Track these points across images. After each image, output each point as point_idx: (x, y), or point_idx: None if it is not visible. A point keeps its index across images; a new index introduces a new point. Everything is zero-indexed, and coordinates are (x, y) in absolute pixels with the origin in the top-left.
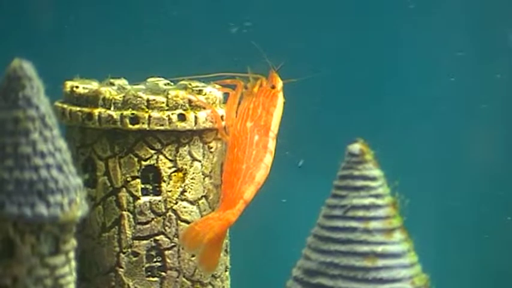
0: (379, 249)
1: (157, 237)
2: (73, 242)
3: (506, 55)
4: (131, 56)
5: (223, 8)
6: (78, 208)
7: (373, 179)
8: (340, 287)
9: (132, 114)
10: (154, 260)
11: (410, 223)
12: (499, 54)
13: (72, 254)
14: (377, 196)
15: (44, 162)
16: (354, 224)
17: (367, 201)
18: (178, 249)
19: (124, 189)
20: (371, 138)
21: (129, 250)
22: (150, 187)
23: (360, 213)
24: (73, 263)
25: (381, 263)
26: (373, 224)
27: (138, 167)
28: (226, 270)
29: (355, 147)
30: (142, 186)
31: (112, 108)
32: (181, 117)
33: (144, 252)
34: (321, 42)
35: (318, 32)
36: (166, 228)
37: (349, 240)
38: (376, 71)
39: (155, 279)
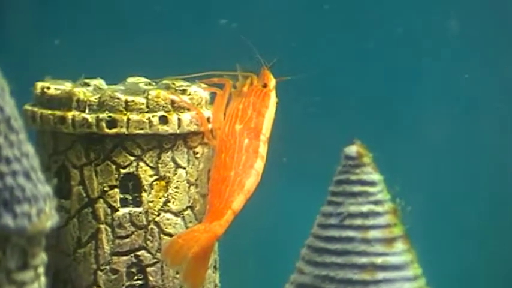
0: (379, 260)
1: (138, 253)
2: (43, 256)
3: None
4: (110, 55)
5: (211, 3)
6: (48, 218)
7: (372, 184)
8: None
9: (109, 117)
10: (136, 277)
11: (414, 231)
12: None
13: (41, 269)
14: (376, 203)
15: (9, 168)
16: (351, 233)
17: (365, 208)
18: (162, 266)
19: (101, 200)
20: (369, 140)
21: (108, 267)
22: (130, 197)
23: (358, 221)
24: (43, 279)
25: (381, 275)
26: (372, 233)
27: (116, 176)
28: None
29: (352, 149)
30: (121, 196)
31: (87, 111)
32: (163, 120)
33: (124, 269)
34: (318, 40)
35: (315, 29)
36: (148, 242)
37: (346, 251)
38: (374, 71)
39: None
